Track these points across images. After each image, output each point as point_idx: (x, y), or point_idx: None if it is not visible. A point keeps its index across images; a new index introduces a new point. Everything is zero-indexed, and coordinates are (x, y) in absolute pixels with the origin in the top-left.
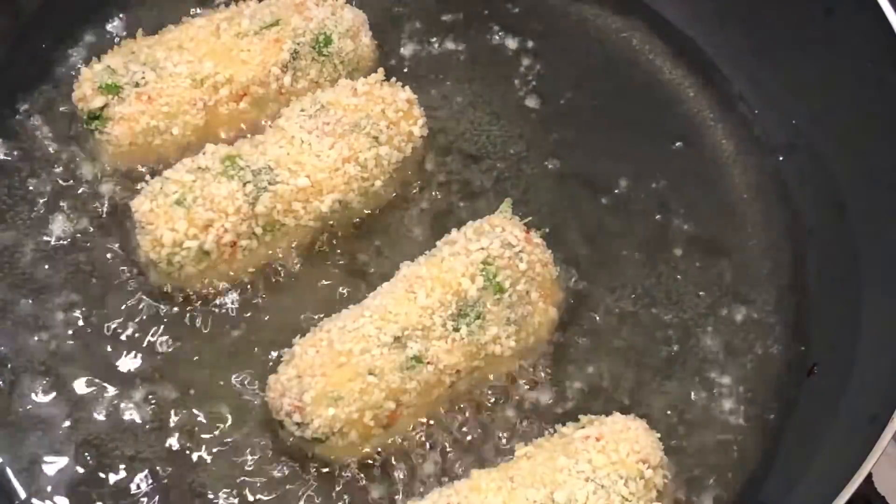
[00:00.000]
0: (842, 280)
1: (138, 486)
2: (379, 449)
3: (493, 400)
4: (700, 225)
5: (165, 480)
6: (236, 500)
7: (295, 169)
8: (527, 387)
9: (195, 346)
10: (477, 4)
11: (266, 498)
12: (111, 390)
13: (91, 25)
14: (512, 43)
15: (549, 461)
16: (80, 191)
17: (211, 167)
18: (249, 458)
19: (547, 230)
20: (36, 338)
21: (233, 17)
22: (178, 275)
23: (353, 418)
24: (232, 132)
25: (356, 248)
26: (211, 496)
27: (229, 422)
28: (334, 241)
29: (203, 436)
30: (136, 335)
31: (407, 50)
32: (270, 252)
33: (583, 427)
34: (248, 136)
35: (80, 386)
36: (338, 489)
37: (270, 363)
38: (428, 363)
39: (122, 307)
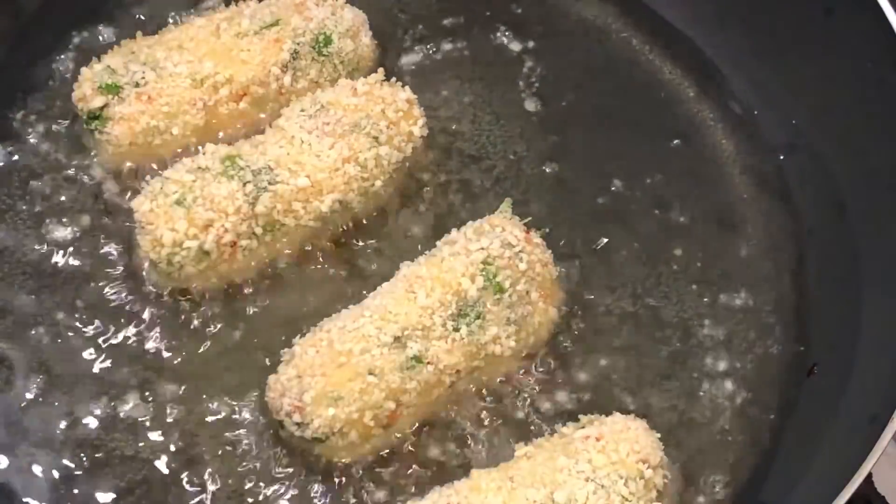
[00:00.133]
0: (842, 280)
1: (137, 487)
2: (379, 449)
3: (492, 400)
4: (700, 225)
5: (165, 481)
6: (236, 501)
7: (295, 169)
8: (527, 387)
9: (195, 346)
10: (478, 4)
11: (266, 498)
12: (111, 390)
13: (91, 25)
14: (512, 43)
15: (549, 461)
16: (79, 191)
17: (211, 167)
18: (249, 458)
19: (547, 230)
20: (35, 337)
21: (233, 17)
22: (178, 275)
23: (353, 418)
24: (232, 132)
25: (356, 247)
26: (210, 497)
27: (229, 422)
28: (334, 241)
29: (202, 436)
30: (136, 335)
31: (407, 50)
32: (270, 252)
33: (583, 427)
34: (248, 136)
35: (80, 386)
36: (338, 489)
37: (270, 363)
38: (428, 363)
39: (122, 307)
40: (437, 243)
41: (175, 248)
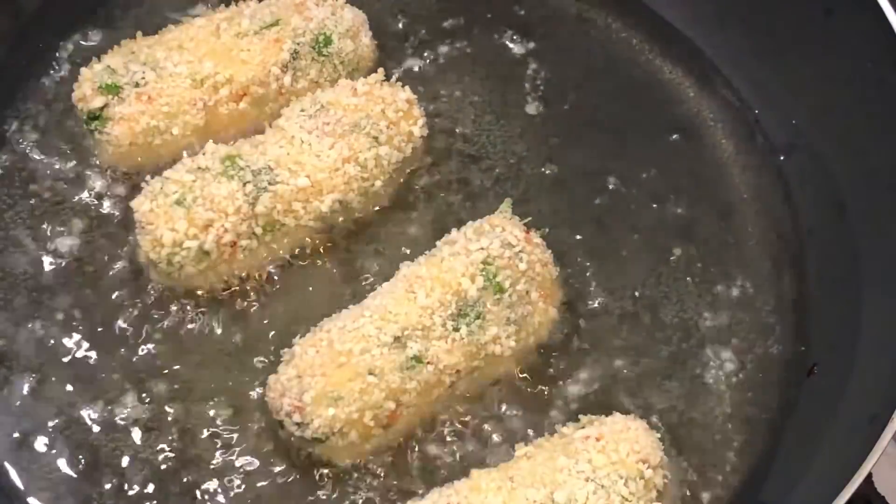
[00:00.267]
0: (842, 280)
1: (137, 487)
2: (379, 449)
3: (492, 400)
4: (700, 225)
5: (164, 481)
6: (236, 501)
7: (295, 169)
8: (527, 387)
9: (195, 346)
10: (478, 5)
11: (266, 498)
12: (110, 390)
13: (91, 25)
14: (512, 43)
15: (549, 461)
16: (79, 191)
17: (211, 167)
18: (249, 458)
19: (547, 230)
20: (35, 337)
21: (233, 17)
22: (178, 275)
23: (353, 418)
24: (232, 132)
25: (356, 248)
26: (210, 497)
27: (229, 422)
28: (334, 241)
29: (202, 436)
30: (136, 335)
31: (407, 50)
32: (270, 252)
33: (583, 427)
34: (248, 136)
35: (79, 386)
36: (337, 489)
37: (270, 363)
38: (428, 363)
39: (122, 307)
40: (437, 243)
41: (175, 248)
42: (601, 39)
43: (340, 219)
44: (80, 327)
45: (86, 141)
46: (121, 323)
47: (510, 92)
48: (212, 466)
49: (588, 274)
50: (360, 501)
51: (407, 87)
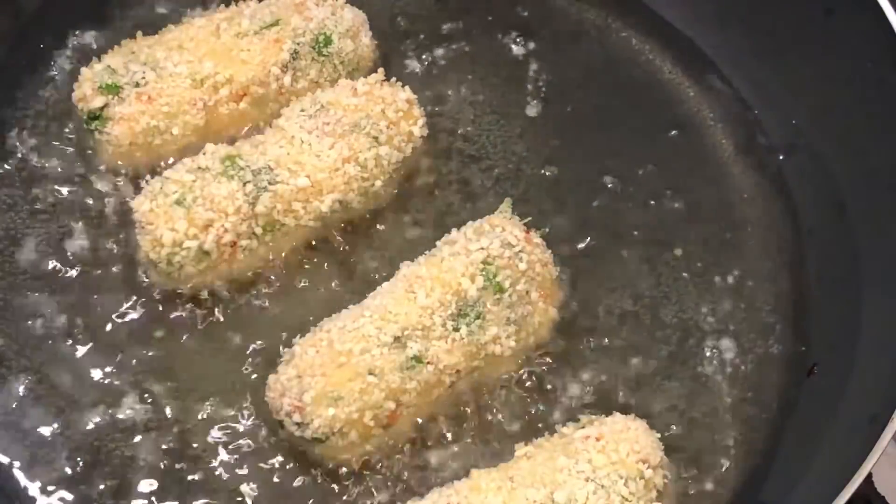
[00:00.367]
0: (842, 280)
1: (137, 487)
2: (379, 449)
3: (492, 400)
4: (700, 225)
5: (164, 481)
6: (236, 501)
7: (295, 169)
8: (527, 386)
9: (195, 346)
10: (478, 5)
11: (266, 498)
12: (109, 390)
13: (91, 25)
14: (513, 44)
15: (549, 461)
16: (79, 191)
17: (211, 167)
18: (249, 458)
19: (547, 230)
20: (35, 337)
21: (233, 17)
22: (178, 275)
23: (353, 418)
24: (232, 132)
25: (356, 248)
26: (210, 497)
27: (229, 422)
28: (334, 241)
29: (202, 436)
30: (136, 335)
31: (407, 50)
32: (270, 252)
33: (583, 427)
34: (248, 136)
35: (80, 386)
36: (337, 489)
37: (270, 363)
38: (428, 363)
39: (122, 307)
40: (437, 243)
41: (175, 248)
42: (601, 39)
43: (340, 219)
44: (80, 327)
45: (86, 141)
46: (121, 323)
47: (510, 92)
48: (211, 466)
49: (588, 274)
50: (360, 501)
51: (407, 87)
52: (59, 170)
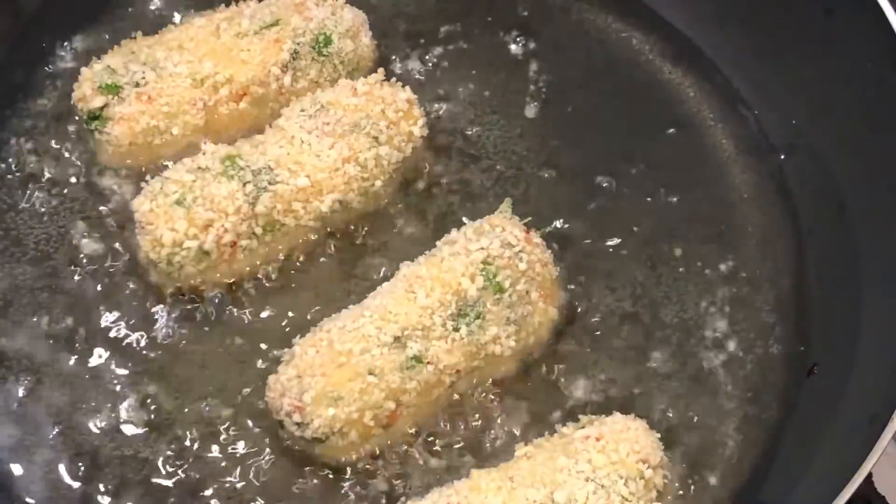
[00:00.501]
0: (842, 280)
1: (137, 487)
2: (379, 449)
3: (492, 400)
4: (700, 225)
5: (164, 481)
6: (235, 501)
7: (295, 169)
8: (527, 386)
9: (195, 346)
10: (478, 5)
11: (265, 498)
12: (110, 390)
13: (91, 25)
14: (513, 43)
15: (549, 461)
16: (79, 191)
17: (211, 167)
18: (249, 458)
19: (547, 230)
20: (35, 337)
21: (233, 17)
22: (178, 275)
23: (353, 418)
24: (232, 132)
25: (356, 247)
26: (210, 497)
27: (229, 422)
28: (334, 241)
29: (202, 436)
30: (136, 335)
31: (407, 50)
32: (270, 252)
33: (583, 427)
34: (248, 136)
35: (79, 386)
36: (337, 489)
37: (270, 363)
38: (428, 363)
39: (121, 307)
40: (437, 243)
41: (175, 248)
42: (601, 39)
43: (340, 219)
44: (80, 328)
45: (86, 141)
46: (120, 323)
47: (510, 92)
48: (212, 466)
49: (588, 274)
50: (360, 501)
51: (407, 87)
52: (59, 170)
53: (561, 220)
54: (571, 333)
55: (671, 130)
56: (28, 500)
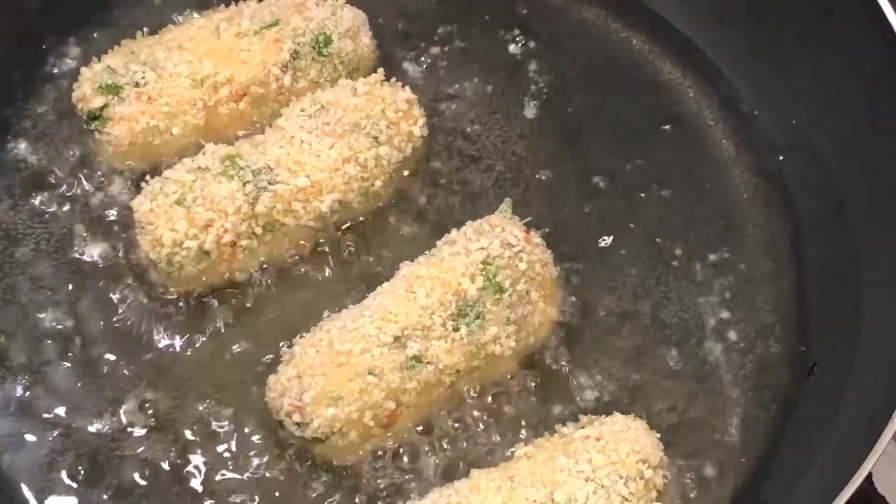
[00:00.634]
0: (842, 280)
1: (137, 487)
2: (378, 449)
3: (492, 400)
4: (700, 224)
5: (164, 481)
6: (236, 501)
7: (295, 169)
8: (526, 386)
9: (195, 346)
10: (478, 5)
11: (266, 498)
12: (109, 391)
13: (91, 25)
14: (512, 43)
15: (549, 461)
16: (79, 190)
17: (211, 167)
18: (249, 458)
19: (547, 230)
20: (35, 338)
21: (233, 17)
22: (178, 275)
23: (353, 418)
24: (232, 132)
25: (356, 248)
26: (210, 497)
27: (229, 422)
28: (335, 241)
29: (202, 436)
30: (136, 335)
31: (407, 50)
32: (270, 252)
33: (583, 427)
34: (248, 136)
35: (79, 386)
36: (337, 489)
37: (270, 363)
38: (428, 363)
39: (121, 307)
40: (437, 243)
41: (175, 248)
42: (601, 39)
43: (340, 219)
44: (80, 327)
45: (86, 141)
46: (120, 323)
47: (510, 92)
48: (212, 467)
49: (588, 274)
50: (361, 501)
51: (407, 87)
52: (59, 170)
53: (561, 220)
54: (571, 333)
55: (671, 130)
56: (28, 500)
